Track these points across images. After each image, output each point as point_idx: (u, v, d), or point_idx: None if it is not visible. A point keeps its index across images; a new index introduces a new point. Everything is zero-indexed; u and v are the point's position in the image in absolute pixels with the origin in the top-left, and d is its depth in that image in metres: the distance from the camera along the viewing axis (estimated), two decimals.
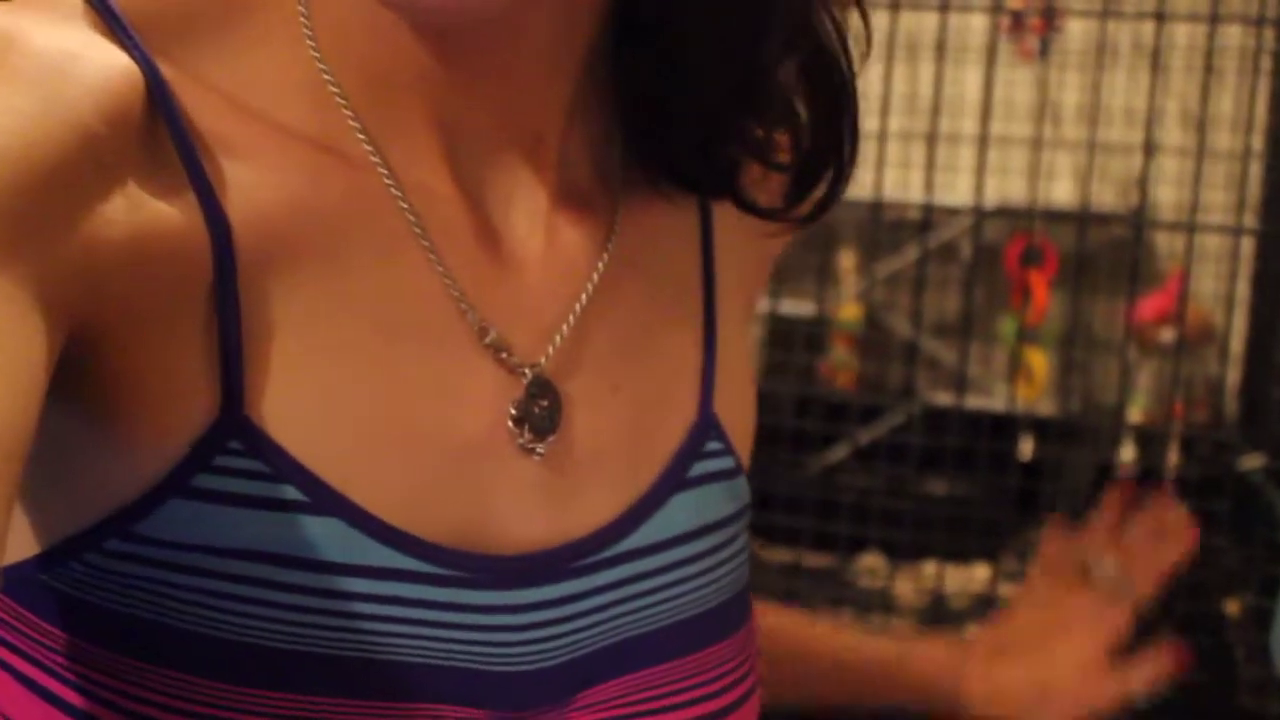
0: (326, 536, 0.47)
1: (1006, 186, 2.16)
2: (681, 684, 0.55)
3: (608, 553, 0.53)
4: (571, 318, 0.53)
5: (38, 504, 0.48)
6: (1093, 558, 0.82)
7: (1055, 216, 2.08)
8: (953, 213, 2.48)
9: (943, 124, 1.60)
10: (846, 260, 2.77)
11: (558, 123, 0.53)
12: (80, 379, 0.46)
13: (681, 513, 0.56)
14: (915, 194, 2.05)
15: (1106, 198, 2.47)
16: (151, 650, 0.46)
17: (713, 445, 0.57)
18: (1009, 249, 2.28)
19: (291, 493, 0.47)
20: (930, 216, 2.21)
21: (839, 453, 1.77)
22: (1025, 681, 0.81)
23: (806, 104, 0.55)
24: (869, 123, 1.64)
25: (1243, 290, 1.81)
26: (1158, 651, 0.82)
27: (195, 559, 0.46)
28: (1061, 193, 2.40)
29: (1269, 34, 1.56)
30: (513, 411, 0.51)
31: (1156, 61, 1.46)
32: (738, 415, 0.59)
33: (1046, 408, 2.25)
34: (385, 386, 0.49)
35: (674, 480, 0.56)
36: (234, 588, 0.46)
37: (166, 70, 0.47)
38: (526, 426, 0.51)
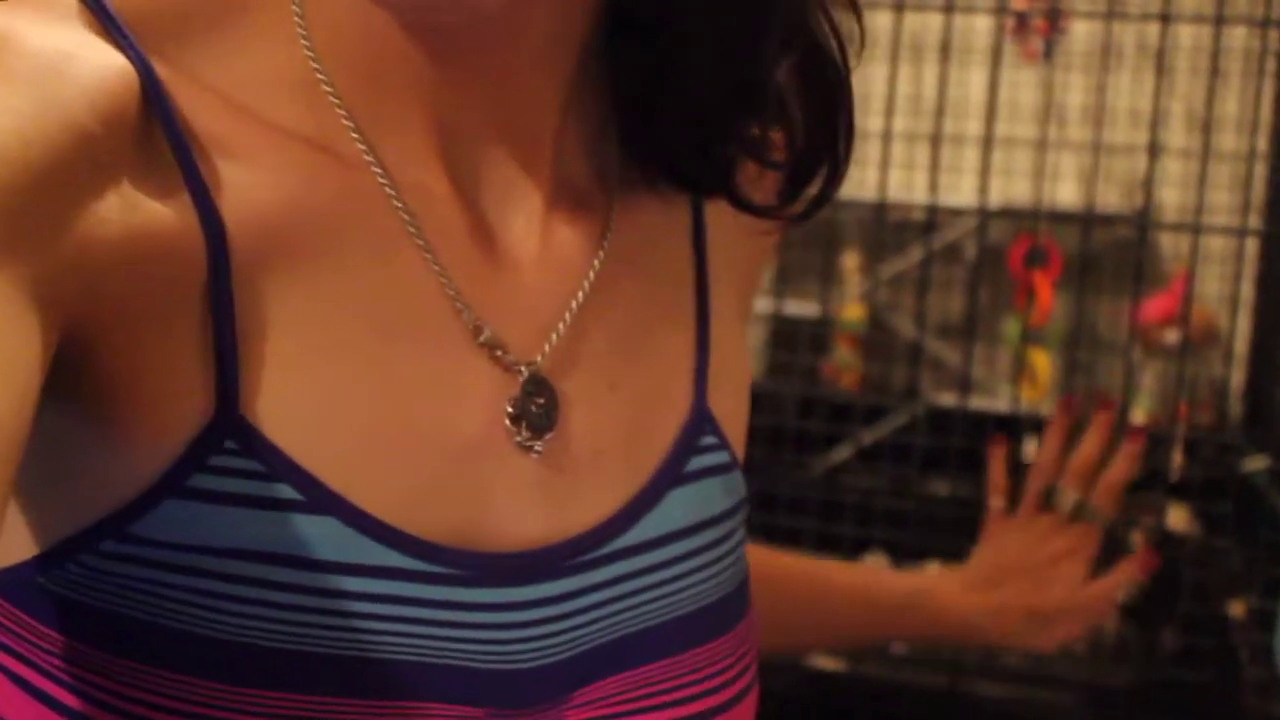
0: (322, 536, 0.47)
1: (1011, 187, 2.16)
2: (680, 680, 0.55)
3: (605, 549, 0.53)
4: (568, 316, 0.54)
5: (35, 506, 0.48)
6: (1052, 486, 0.90)
7: (1060, 218, 2.08)
8: (957, 214, 2.47)
9: (947, 125, 1.60)
10: (850, 261, 2.77)
11: (553, 121, 0.53)
12: (76, 379, 0.46)
13: (678, 508, 0.56)
14: (919, 195, 2.05)
15: (1111, 199, 2.47)
16: (147, 651, 0.46)
17: (708, 440, 0.57)
18: (1013, 250, 2.28)
19: (287, 492, 0.47)
20: (934, 217, 2.21)
21: (842, 453, 1.76)
22: (1021, 605, 0.88)
23: (802, 102, 0.55)
24: (873, 123, 1.64)
25: (1247, 292, 1.80)
26: (1116, 571, 0.91)
27: (191, 559, 0.46)
28: (1066, 194, 2.40)
29: (1274, 36, 1.56)
30: (509, 410, 0.51)
31: (1161, 63, 1.46)
32: (732, 410, 0.60)
33: (1050, 409, 2.25)
34: (380, 385, 0.49)
35: (670, 476, 0.56)
36: (230, 588, 0.46)
37: (161, 70, 0.47)
38: (524, 424, 0.52)
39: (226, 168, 0.47)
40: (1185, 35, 2.15)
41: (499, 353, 0.51)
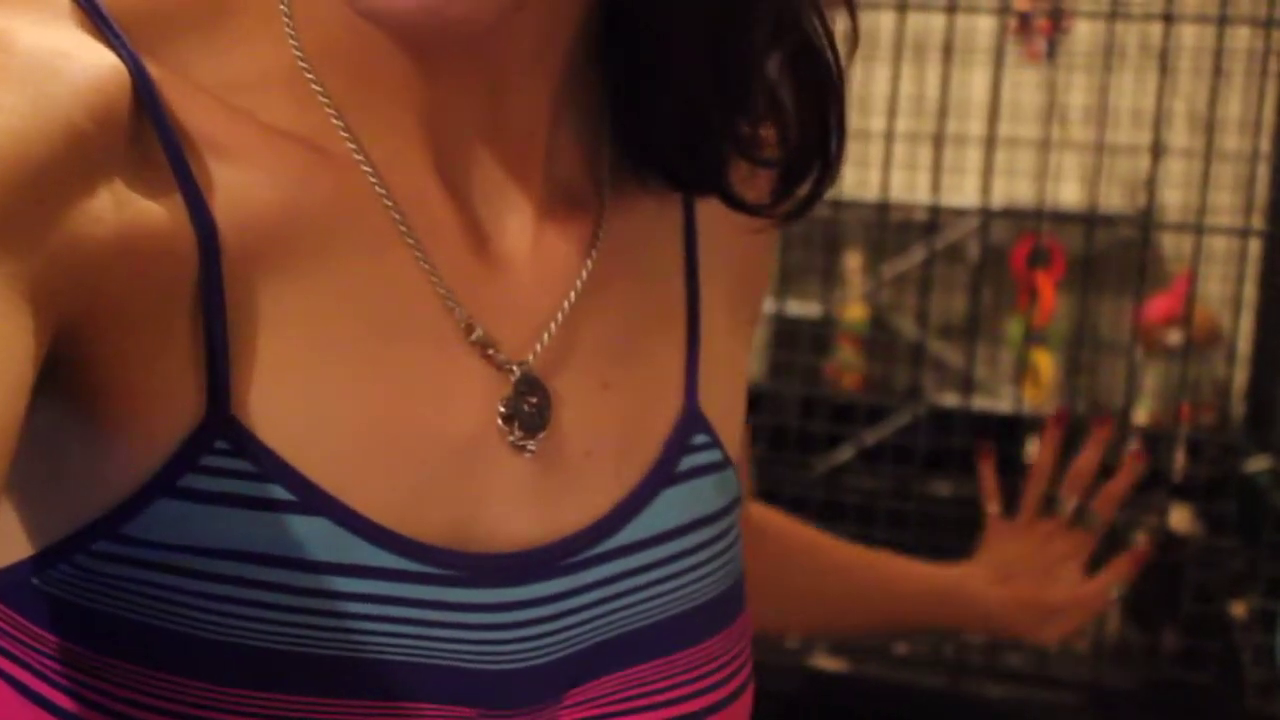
0: (314, 536, 0.47)
1: (1013, 188, 2.16)
2: (674, 679, 0.55)
3: (598, 549, 0.53)
4: (559, 315, 0.53)
5: (29, 507, 0.48)
6: (1053, 493, 0.96)
7: (1062, 218, 2.07)
8: (959, 214, 2.47)
9: (950, 125, 1.60)
10: (852, 261, 2.77)
11: (544, 121, 0.53)
12: (69, 378, 0.46)
13: (671, 508, 0.56)
14: (922, 195, 2.05)
15: (1114, 199, 2.46)
16: (140, 652, 0.46)
17: (700, 439, 0.57)
18: (1016, 250, 2.28)
19: (278, 492, 0.47)
20: (937, 217, 2.21)
21: (844, 454, 1.76)
22: (1032, 601, 0.93)
23: (794, 100, 0.55)
24: (876, 123, 1.64)
25: (1249, 292, 1.80)
26: (1111, 566, 0.97)
27: (183, 559, 0.46)
28: (1069, 194, 2.40)
29: (1277, 36, 1.56)
30: (502, 409, 0.51)
31: (1164, 63, 1.46)
32: (725, 409, 0.59)
33: (1053, 409, 2.25)
34: (372, 385, 0.49)
35: (663, 475, 0.56)
36: (222, 588, 0.46)
37: (153, 69, 0.47)
38: (516, 424, 0.52)
39: (218, 167, 0.47)
40: (1188, 35, 2.15)
41: (491, 352, 0.51)
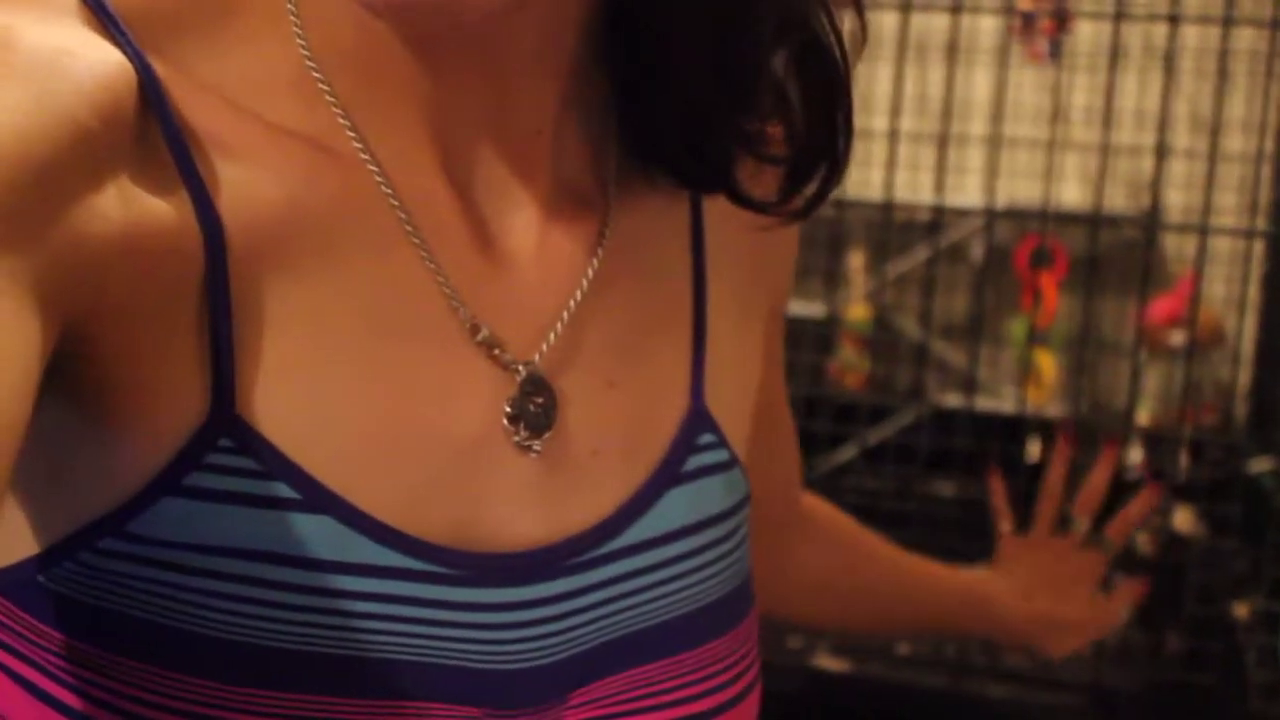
0: (318, 534, 0.47)
1: (1016, 188, 2.16)
2: (680, 680, 0.55)
3: (604, 549, 0.53)
4: (565, 315, 0.53)
5: (35, 504, 0.48)
6: (1066, 513, 0.97)
7: (1066, 218, 2.07)
8: (963, 214, 2.47)
9: (953, 125, 1.60)
10: (856, 261, 2.77)
11: (550, 120, 0.53)
12: (75, 376, 0.46)
13: (677, 508, 0.56)
14: (925, 195, 2.05)
15: (1117, 200, 2.46)
16: (146, 650, 0.46)
17: (706, 438, 0.57)
18: (1019, 250, 2.28)
19: (283, 490, 0.47)
20: (940, 218, 2.21)
21: (847, 453, 1.76)
22: (1051, 618, 0.95)
23: (801, 98, 0.55)
24: (879, 123, 1.64)
25: (1253, 293, 1.80)
26: (1123, 588, 1.00)
27: (188, 557, 0.46)
28: (1072, 195, 2.39)
29: None
30: (507, 409, 0.51)
31: (1168, 64, 1.46)
32: (733, 408, 0.59)
33: (1055, 410, 2.25)
34: (377, 384, 0.49)
35: (669, 475, 0.56)
36: (226, 586, 0.46)
37: (159, 67, 0.47)
38: (522, 424, 0.51)
39: (224, 166, 0.47)
40: (1192, 36, 2.15)
41: (496, 352, 0.51)
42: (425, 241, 0.50)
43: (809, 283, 2.15)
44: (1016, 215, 2.18)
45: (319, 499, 0.47)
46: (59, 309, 0.43)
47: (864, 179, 2.01)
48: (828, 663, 1.46)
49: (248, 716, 0.46)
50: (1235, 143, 1.92)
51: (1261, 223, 1.68)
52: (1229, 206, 2.05)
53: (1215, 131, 1.46)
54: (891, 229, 2.42)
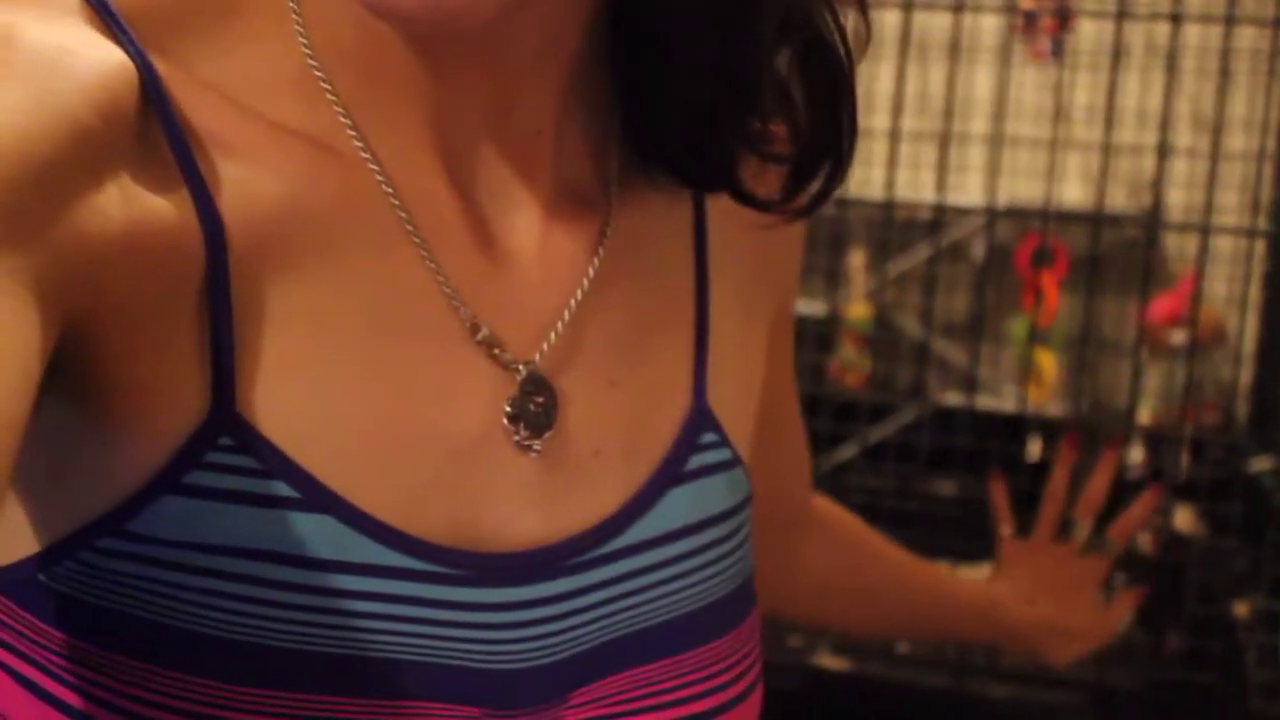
0: (318, 533, 0.47)
1: (1018, 187, 2.16)
2: (681, 680, 0.55)
3: (605, 549, 0.53)
4: (566, 314, 0.53)
5: (36, 503, 0.48)
6: (1068, 518, 0.97)
7: (1067, 217, 2.07)
8: (964, 213, 2.47)
9: (955, 124, 1.60)
10: (857, 259, 2.77)
11: (552, 118, 0.53)
12: (76, 374, 0.46)
13: (679, 507, 0.55)
14: (926, 194, 2.05)
15: (1119, 199, 2.46)
16: (146, 649, 0.46)
17: (708, 437, 0.57)
18: (1020, 249, 2.28)
19: (283, 489, 0.47)
20: (941, 216, 2.20)
21: (848, 452, 1.76)
22: (1054, 624, 0.95)
23: (804, 96, 0.54)
24: (880, 122, 1.64)
25: (1255, 292, 1.80)
26: (1124, 595, 1.00)
27: (188, 556, 0.46)
28: (1073, 194, 2.39)
29: None
30: (508, 409, 0.51)
31: (1170, 63, 1.46)
32: (735, 407, 0.59)
33: (1056, 409, 2.25)
34: (377, 383, 0.49)
35: (670, 474, 0.56)
36: (227, 585, 0.46)
37: (160, 66, 0.47)
38: (522, 424, 0.51)
39: (225, 165, 0.47)
40: (1194, 35, 2.15)
41: (497, 351, 0.51)
42: (426, 241, 0.50)
43: (810, 281, 2.15)
44: (1018, 214, 2.18)
45: (319, 498, 0.47)
46: (59, 307, 0.43)
47: (865, 177, 2.01)
48: (828, 661, 1.46)
49: (248, 716, 0.46)
50: (1237, 142, 1.92)
51: (1263, 222, 1.67)
52: (1230, 206, 2.05)
53: (1217, 130, 1.46)
54: (893, 227, 2.42)
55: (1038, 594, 0.94)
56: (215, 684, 0.46)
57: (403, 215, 0.50)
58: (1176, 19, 1.44)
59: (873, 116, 1.92)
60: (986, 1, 1.71)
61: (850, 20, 0.55)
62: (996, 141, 1.59)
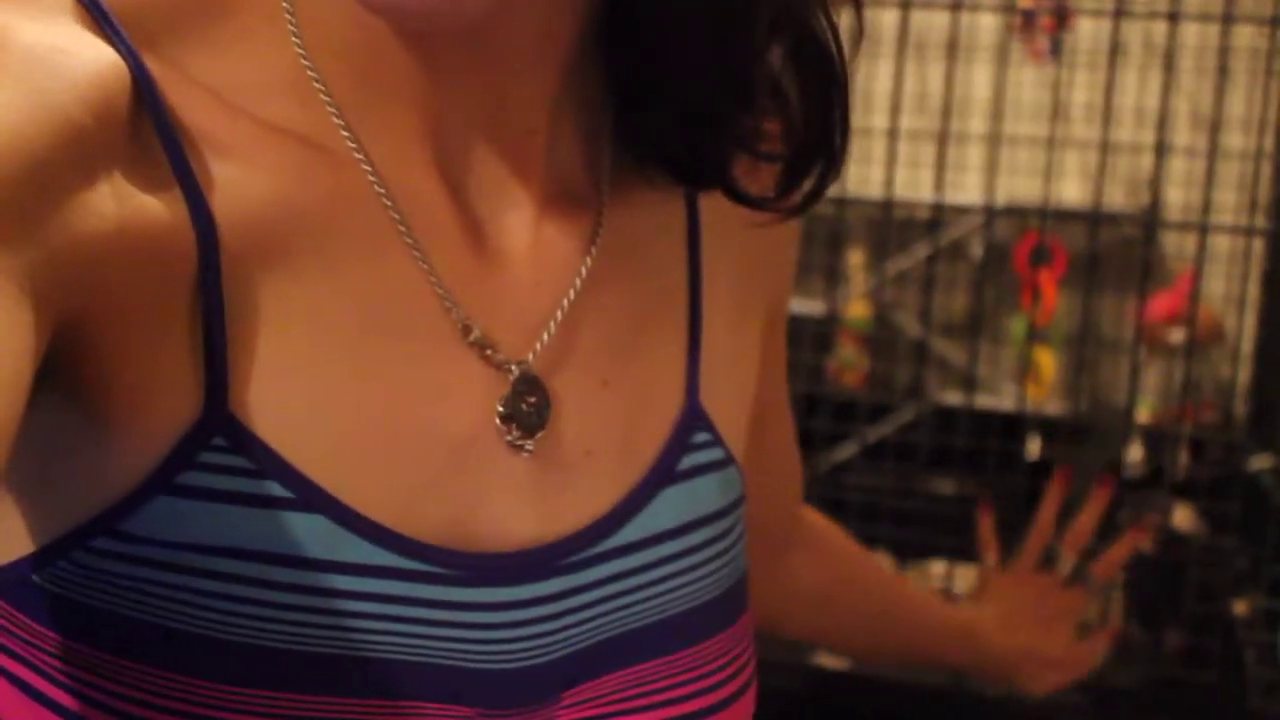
0: (311, 533, 0.47)
1: (1016, 186, 2.15)
2: (674, 679, 0.55)
3: (598, 549, 0.53)
4: (559, 314, 0.53)
5: (30, 503, 0.48)
6: (1053, 549, 0.97)
7: (1065, 216, 2.07)
8: (962, 212, 2.47)
9: (953, 123, 1.60)
10: (855, 258, 2.77)
11: (545, 118, 0.53)
12: (69, 374, 0.46)
13: (672, 507, 0.55)
14: (925, 193, 2.05)
15: (1117, 197, 2.46)
16: (140, 649, 0.46)
17: (701, 437, 0.57)
18: (1019, 248, 2.28)
19: (276, 489, 0.47)
20: (940, 215, 2.20)
21: (847, 451, 1.76)
22: (1033, 653, 0.94)
23: (797, 94, 0.54)
24: (879, 121, 1.64)
25: (1253, 291, 1.80)
26: (1100, 634, 0.99)
27: (181, 557, 0.46)
28: (1072, 192, 2.39)
29: None
30: (500, 409, 0.51)
31: (1168, 61, 1.46)
32: (728, 406, 0.59)
33: (1055, 408, 2.25)
34: (370, 384, 0.49)
35: (663, 474, 0.55)
36: (220, 585, 0.46)
37: (153, 66, 0.47)
38: (514, 424, 0.51)
39: (217, 164, 0.47)
40: (1192, 34, 2.15)
41: (489, 352, 0.51)
42: (418, 241, 0.50)
43: (808, 280, 2.15)
44: (1016, 213, 2.18)
45: (312, 498, 0.47)
46: (52, 307, 0.43)
47: (864, 176, 2.01)
48: (827, 660, 1.46)
49: (241, 716, 0.46)
50: (1235, 140, 1.92)
51: (1261, 220, 1.67)
52: (1229, 204, 2.05)
53: (1215, 129, 1.46)
54: (891, 227, 2.42)
55: (1017, 623, 0.94)
56: (209, 684, 0.46)
57: (395, 215, 0.50)
58: (1174, 17, 1.43)
59: (871, 115, 1.92)
60: (985, 0, 1.71)
61: (845, 18, 0.55)
62: (995, 140, 1.59)
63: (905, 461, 1.63)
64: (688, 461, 0.56)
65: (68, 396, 0.46)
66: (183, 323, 0.46)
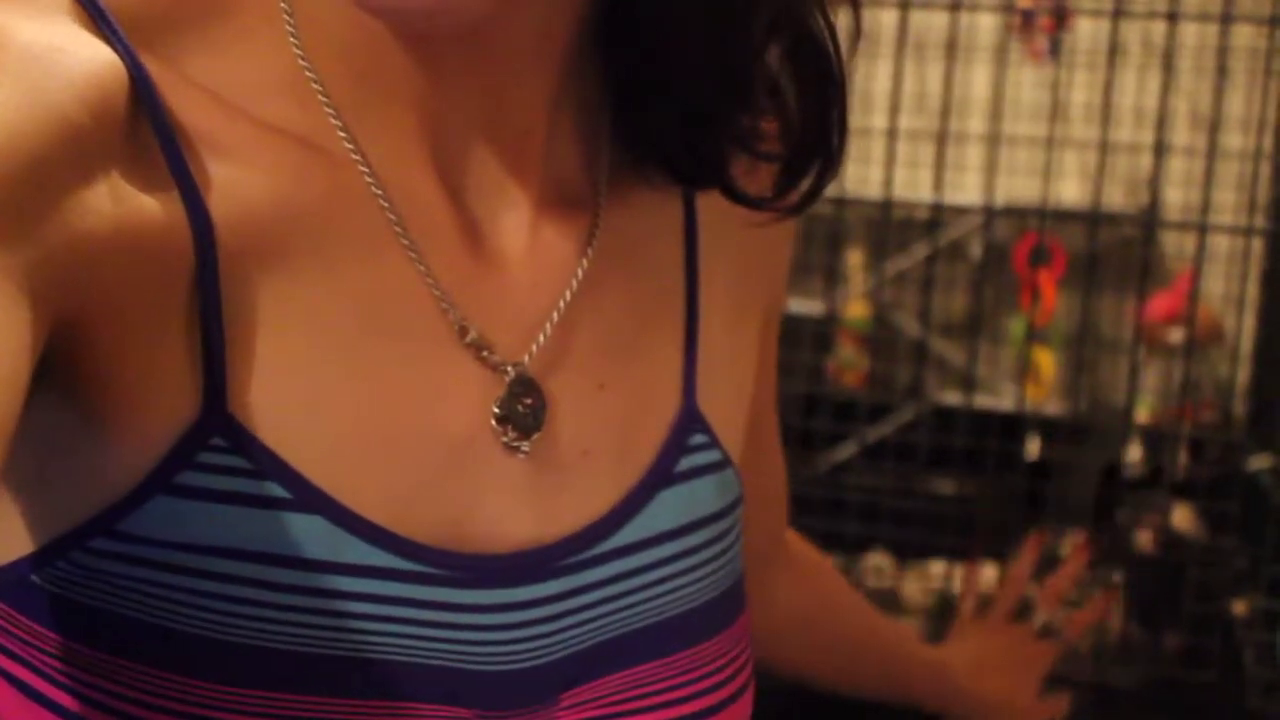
0: (309, 534, 0.47)
1: (1015, 186, 2.16)
2: (672, 681, 0.55)
3: (595, 551, 0.53)
4: (555, 315, 0.53)
5: (28, 503, 0.48)
6: (1028, 602, 0.98)
7: (1064, 216, 2.07)
8: (962, 212, 2.47)
9: (952, 123, 1.60)
10: (855, 258, 2.77)
11: (543, 119, 0.53)
12: (66, 374, 0.46)
13: (669, 509, 0.55)
14: (924, 193, 2.05)
15: (1116, 197, 2.46)
16: (138, 650, 0.46)
17: (698, 439, 0.57)
18: (1018, 248, 2.28)
19: (274, 489, 0.47)
20: (939, 215, 2.20)
21: (846, 452, 1.76)
22: (1002, 695, 0.94)
23: (795, 93, 0.54)
24: (878, 121, 1.64)
25: (1252, 291, 1.80)
26: (1057, 696, 0.99)
27: (179, 557, 0.46)
28: (1071, 192, 2.39)
29: None
30: (496, 410, 0.51)
31: (1167, 61, 1.46)
32: (726, 408, 0.59)
33: (1054, 408, 2.25)
34: (367, 384, 0.49)
35: (660, 476, 0.55)
36: (218, 586, 0.46)
37: (150, 65, 0.47)
38: (510, 425, 0.51)
39: (215, 164, 0.47)
40: (1191, 34, 2.15)
41: (485, 353, 0.51)
42: (415, 242, 0.50)
43: (808, 280, 2.15)
44: (1015, 213, 2.18)
45: (309, 498, 0.47)
46: (50, 306, 0.43)
47: (863, 177, 2.01)
48: None
49: (240, 716, 0.46)
50: (1234, 140, 1.92)
51: (1260, 220, 1.67)
52: (1227, 204, 2.05)
53: (1214, 129, 1.46)
54: (890, 227, 2.42)
55: (986, 670, 0.94)
56: (207, 685, 0.46)
57: (392, 216, 0.50)
58: (1173, 17, 1.44)
59: (870, 116, 1.92)
60: (984, 0, 1.71)
61: (843, 18, 0.55)
62: (994, 140, 1.59)
63: (905, 461, 1.63)
64: (685, 463, 0.56)
65: (65, 396, 0.46)
66: (180, 322, 0.46)
